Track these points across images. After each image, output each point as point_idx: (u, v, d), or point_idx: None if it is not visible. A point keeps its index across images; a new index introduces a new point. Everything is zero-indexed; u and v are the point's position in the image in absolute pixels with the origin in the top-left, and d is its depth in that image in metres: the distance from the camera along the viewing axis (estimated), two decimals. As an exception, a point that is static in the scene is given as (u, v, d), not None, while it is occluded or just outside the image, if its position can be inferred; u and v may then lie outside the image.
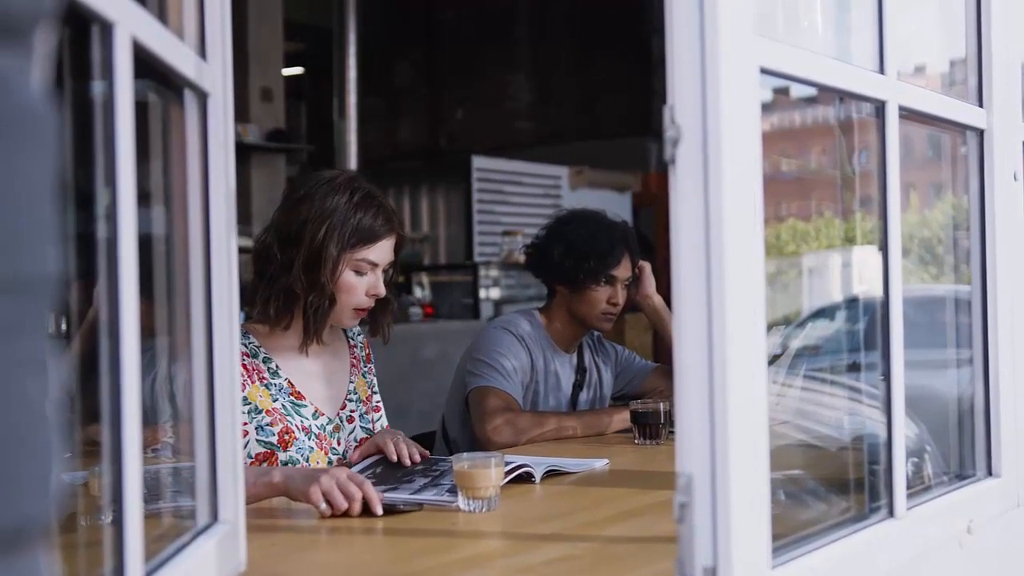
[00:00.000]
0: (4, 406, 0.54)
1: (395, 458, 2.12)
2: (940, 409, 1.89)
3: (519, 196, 7.82)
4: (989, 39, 1.77)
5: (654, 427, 2.60)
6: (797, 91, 1.51)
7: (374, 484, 1.87)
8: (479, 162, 7.72)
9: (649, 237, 6.99)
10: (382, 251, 2.20)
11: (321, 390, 2.27)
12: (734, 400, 1.10)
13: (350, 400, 2.32)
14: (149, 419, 1.04)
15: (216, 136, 1.32)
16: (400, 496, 1.92)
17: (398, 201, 8.42)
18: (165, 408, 1.47)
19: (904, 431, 1.49)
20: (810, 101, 1.70)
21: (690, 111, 1.11)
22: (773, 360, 1.78)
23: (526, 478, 2.09)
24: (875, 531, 1.44)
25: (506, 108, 9.31)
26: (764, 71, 1.19)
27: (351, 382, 2.34)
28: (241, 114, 6.77)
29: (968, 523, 1.66)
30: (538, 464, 2.14)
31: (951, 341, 1.92)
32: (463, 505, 1.83)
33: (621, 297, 2.90)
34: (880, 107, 1.48)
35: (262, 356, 2.21)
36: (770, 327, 1.22)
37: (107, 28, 0.94)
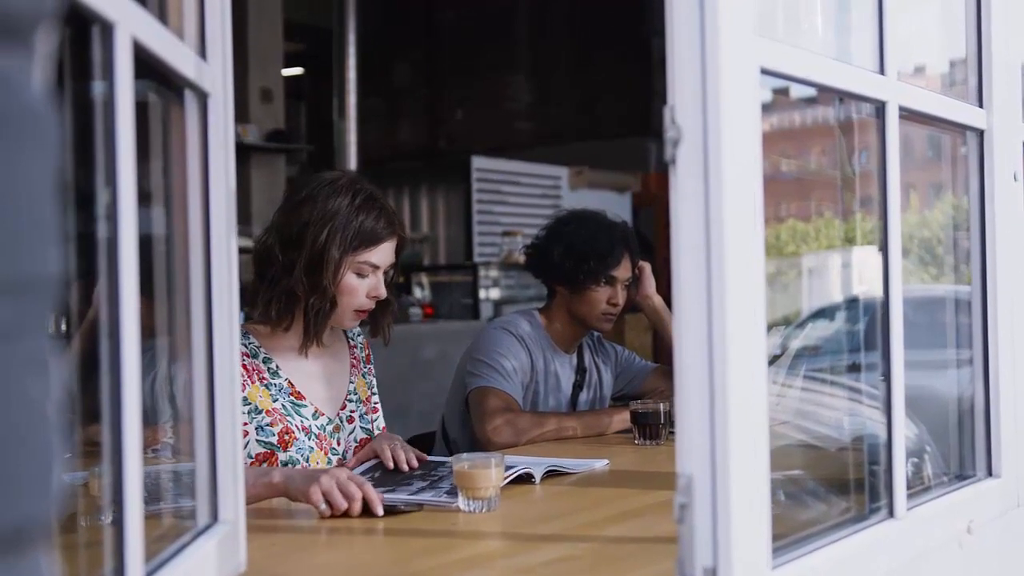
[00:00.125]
0: (5, 406, 0.54)
1: (392, 465, 2.11)
2: (940, 409, 1.89)
3: (519, 196, 7.83)
4: (989, 39, 1.77)
5: (654, 427, 2.60)
6: (796, 91, 1.51)
7: (373, 486, 1.87)
8: (479, 162, 7.73)
9: (649, 237, 6.99)
10: (384, 253, 2.20)
11: (321, 390, 2.27)
12: (734, 400, 1.10)
13: (350, 400, 2.32)
14: (149, 419, 1.04)
15: (216, 136, 1.32)
16: (400, 497, 1.92)
17: (398, 201, 8.43)
18: (165, 408, 1.47)
19: (904, 431, 1.49)
20: (810, 101, 1.70)
21: (690, 111, 1.11)
22: (773, 360, 1.78)
23: (526, 478, 2.09)
24: (875, 531, 1.44)
25: (506, 108, 9.31)
26: (764, 71, 1.19)
27: (351, 382, 2.34)
28: (241, 114, 6.77)
29: (968, 523, 1.66)
30: (537, 464, 2.14)
31: (951, 341, 1.92)
32: (463, 505, 1.83)
33: (621, 297, 2.90)
34: (880, 107, 1.48)
35: (262, 356, 2.21)
36: (770, 327, 1.22)
37: (107, 28, 0.94)
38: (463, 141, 9.09)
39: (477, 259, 7.49)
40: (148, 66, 1.09)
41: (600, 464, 2.29)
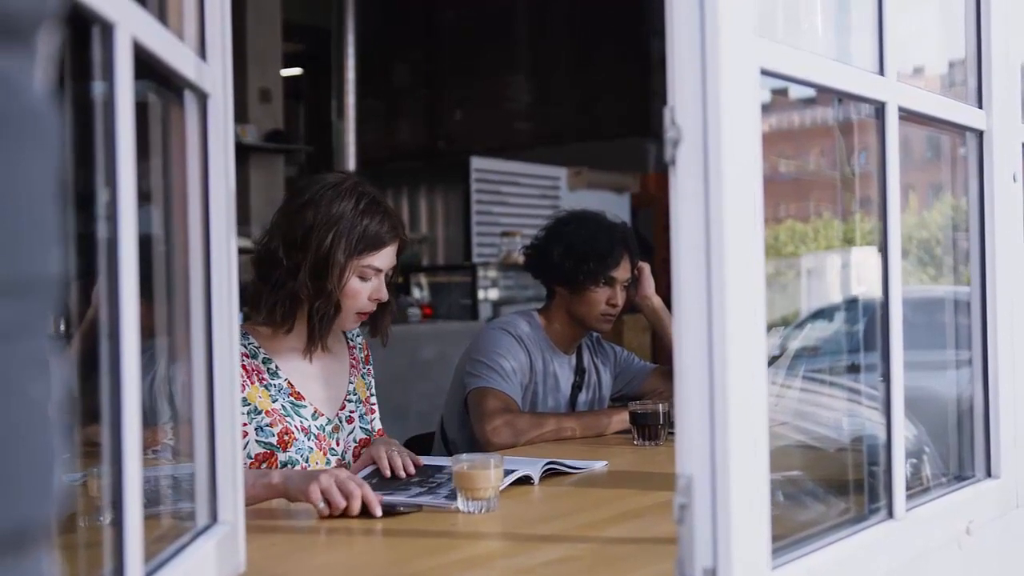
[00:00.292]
0: (7, 407, 0.54)
1: (389, 472, 2.09)
2: (939, 410, 1.89)
3: (518, 197, 7.83)
4: (989, 40, 1.77)
5: (653, 428, 2.60)
6: (795, 92, 1.51)
7: (372, 489, 1.87)
8: (478, 163, 7.73)
9: (648, 238, 6.99)
10: (387, 257, 2.21)
11: (320, 391, 2.27)
12: (734, 401, 1.10)
13: (349, 401, 2.32)
14: (148, 420, 1.04)
15: (216, 137, 1.32)
16: (399, 498, 1.91)
17: (396, 202, 8.43)
18: (164, 409, 1.47)
19: (903, 432, 1.49)
20: (808, 102, 1.70)
21: (690, 112, 1.11)
22: (772, 361, 1.78)
23: (525, 479, 2.09)
24: (874, 532, 1.44)
25: (505, 109, 9.31)
26: (764, 72, 1.19)
27: (350, 383, 2.34)
28: (240, 115, 6.77)
29: (967, 524, 1.66)
30: (536, 464, 2.14)
31: (950, 342, 1.92)
32: (462, 506, 1.83)
33: (620, 298, 2.91)
34: (880, 108, 1.48)
35: (262, 356, 2.21)
36: (769, 328, 1.22)
37: (108, 29, 0.94)
38: (462, 141, 9.09)
39: (476, 259, 7.49)
40: (148, 66, 1.09)
41: (599, 465, 2.29)
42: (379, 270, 2.21)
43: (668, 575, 1.15)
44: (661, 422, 2.59)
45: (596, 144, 8.52)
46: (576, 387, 3.00)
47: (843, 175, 1.81)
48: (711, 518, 1.11)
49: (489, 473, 1.83)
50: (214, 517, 1.33)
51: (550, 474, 2.16)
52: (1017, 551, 1.86)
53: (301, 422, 2.19)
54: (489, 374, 2.76)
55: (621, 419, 2.74)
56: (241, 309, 2.02)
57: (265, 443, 2.13)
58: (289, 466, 2.13)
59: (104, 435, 0.97)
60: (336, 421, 2.27)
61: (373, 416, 2.39)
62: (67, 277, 0.65)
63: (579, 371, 3.02)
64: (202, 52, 1.31)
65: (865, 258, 1.69)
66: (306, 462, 2.17)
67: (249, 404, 2.13)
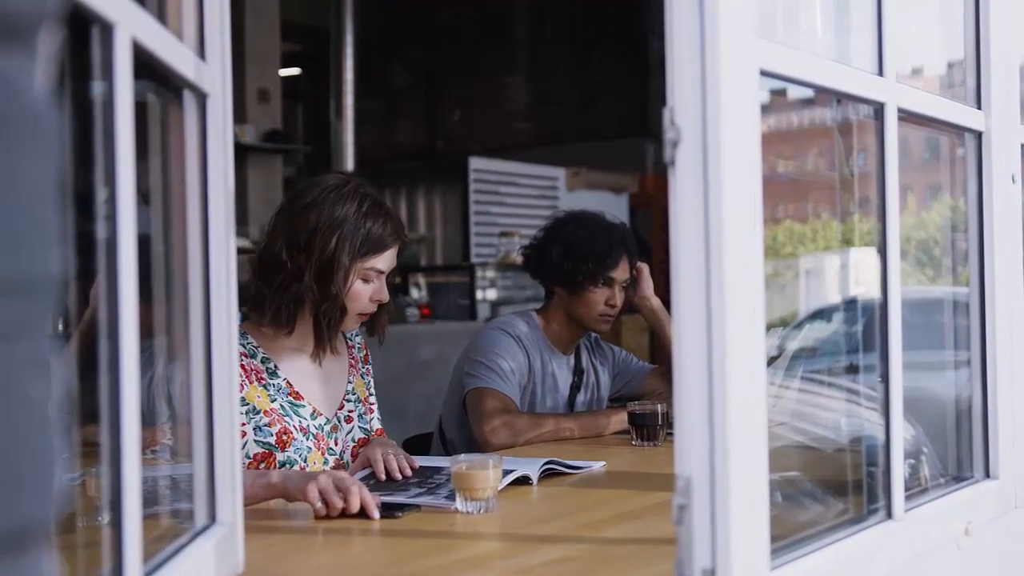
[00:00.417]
0: (8, 407, 0.54)
1: (384, 476, 2.07)
2: (938, 411, 1.89)
3: (516, 197, 7.83)
4: (988, 41, 1.77)
5: (652, 429, 2.60)
6: (794, 92, 1.51)
7: (370, 490, 1.86)
8: (476, 163, 7.73)
9: (646, 238, 6.99)
10: (389, 259, 2.23)
11: (319, 390, 2.27)
12: (734, 402, 1.10)
13: (348, 400, 2.32)
14: (146, 420, 1.04)
15: (215, 137, 1.32)
16: (398, 499, 1.91)
17: (395, 202, 8.42)
18: (162, 409, 1.47)
19: (902, 433, 1.49)
20: (807, 103, 1.70)
21: (690, 113, 1.11)
22: (770, 362, 1.78)
23: (523, 479, 2.09)
24: (873, 533, 1.44)
25: (503, 109, 9.31)
26: (764, 73, 1.19)
27: (349, 382, 2.34)
28: (238, 115, 6.75)
29: (966, 525, 1.66)
30: (534, 464, 2.14)
31: (948, 343, 1.92)
32: (461, 506, 1.83)
33: (619, 299, 2.91)
34: (879, 109, 1.48)
35: (260, 356, 2.21)
36: (767, 329, 1.22)
37: (107, 29, 0.94)
38: (461, 142, 9.09)
39: (474, 260, 7.49)
40: (147, 67, 1.09)
41: (597, 466, 2.29)
42: (381, 272, 2.22)
43: (667, 576, 1.15)
44: (660, 423, 2.59)
45: (595, 145, 8.52)
46: (574, 387, 3.00)
47: (841, 176, 1.81)
48: (710, 519, 1.11)
49: (488, 473, 1.83)
50: (213, 517, 1.33)
51: (549, 474, 2.16)
52: (1016, 552, 1.86)
53: (300, 422, 2.19)
54: (487, 374, 2.76)
55: (620, 420, 2.74)
56: (240, 309, 2.02)
57: (264, 443, 2.13)
58: (288, 466, 2.13)
59: (103, 435, 0.97)
60: (335, 421, 2.27)
61: (372, 416, 2.39)
62: (66, 277, 0.65)
63: (577, 371, 3.02)
64: (201, 52, 1.30)
65: (863, 259, 1.69)
66: (304, 462, 2.17)
67: (247, 404, 2.13)
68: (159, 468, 1.44)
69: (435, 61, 9.59)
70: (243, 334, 2.19)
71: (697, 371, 1.11)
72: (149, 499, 1.15)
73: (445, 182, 8.06)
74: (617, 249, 2.89)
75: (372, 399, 2.41)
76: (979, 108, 1.78)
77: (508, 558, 1.63)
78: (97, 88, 0.95)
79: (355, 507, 1.79)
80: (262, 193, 7.02)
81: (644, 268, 3.02)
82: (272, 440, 2.14)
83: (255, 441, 2.13)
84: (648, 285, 3.01)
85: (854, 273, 1.87)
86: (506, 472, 2.00)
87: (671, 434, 2.48)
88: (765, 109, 1.20)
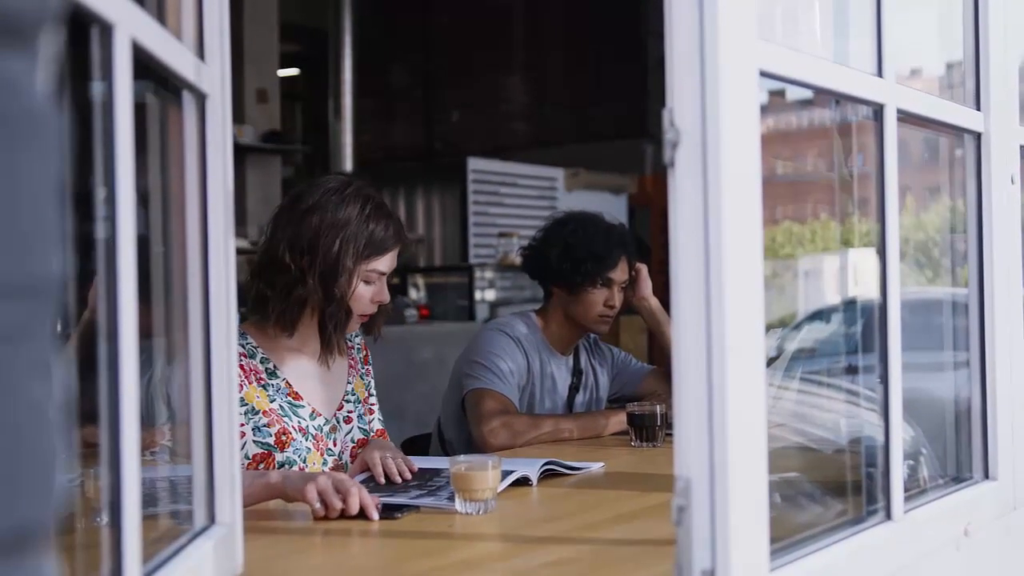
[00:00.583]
0: (11, 410, 0.54)
1: (383, 480, 2.06)
2: (937, 412, 1.89)
3: (515, 198, 7.82)
4: (987, 42, 1.77)
5: (651, 430, 2.59)
6: (792, 93, 1.51)
7: (370, 492, 1.86)
8: (475, 164, 7.72)
9: (645, 239, 6.99)
10: (391, 261, 2.23)
11: (319, 390, 2.27)
12: (733, 403, 1.10)
13: (347, 401, 2.32)
14: (145, 421, 1.04)
15: (214, 137, 1.32)
16: (399, 499, 1.91)
17: (394, 203, 8.40)
18: (161, 410, 1.47)
19: (901, 434, 1.49)
20: (805, 104, 1.70)
21: (689, 114, 1.11)
22: (769, 363, 1.78)
23: (523, 480, 2.09)
24: (872, 534, 1.44)
25: (502, 110, 9.31)
26: (764, 74, 1.19)
27: (349, 383, 2.34)
28: (237, 115, 6.74)
29: (965, 526, 1.66)
30: (534, 465, 2.14)
31: (947, 344, 1.92)
32: (460, 507, 1.83)
33: (618, 299, 2.91)
34: (879, 110, 1.48)
35: (260, 356, 2.21)
36: (766, 330, 1.22)
37: (107, 29, 0.94)
38: (459, 142, 9.09)
39: (473, 260, 7.48)
40: (147, 67, 1.09)
41: (596, 467, 2.29)
42: (383, 273, 2.22)
43: (667, 577, 1.15)
44: (659, 424, 2.59)
45: (593, 145, 8.52)
46: (573, 388, 3.00)
47: (840, 177, 1.81)
48: (709, 520, 1.10)
49: (487, 474, 1.82)
50: (212, 518, 1.33)
51: (548, 475, 2.16)
52: (1015, 552, 1.86)
53: (299, 422, 2.19)
54: (486, 375, 2.76)
55: (618, 420, 2.74)
56: (239, 309, 2.02)
57: (262, 443, 2.13)
58: (287, 466, 2.13)
59: (102, 436, 0.97)
60: (333, 421, 2.27)
61: (372, 416, 2.39)
62: (66, 278, 0.65)
63: (576, 372, 3.02)
64: (200, 53, 1.30)
65: (862, 260, 1.69)
66: (303, 462, 2.16)
67: (246, 404, 2.13)
68: (158, 469, 1.44)
69: (434, 61, 9.60)
70: (242, 334, 2.19)
71: (696, 372, 1.11)
72: (148, 500, 1.15)
73: (443, 183, 8.05)
74: (616, 250, 2.89)
75: (372, 400, 2.41)
76: (978, 109, 1.79)
77: (507, 559, 1.63)
78: (96, 88, 0.95)
79: (354, 508, 1.78)
80: (260, 193, 7.02)
81: (643, 269, 3.02)
82: (271, 441, 2.14)
83: (254, 442, 2.13)
84: (647, 286, 3.01)
85: (853, 274, 1.87)
86: (506, 473, 2.00)
87: (670, 435, 2.48)
88: (764, 110, 1.20)
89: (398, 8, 9.41)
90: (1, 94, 0.55)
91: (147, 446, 1.27)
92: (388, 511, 1.82)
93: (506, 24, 9.29)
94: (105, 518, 1.01)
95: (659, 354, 3.20)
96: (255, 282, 2.20)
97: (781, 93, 1.44)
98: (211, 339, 1.33)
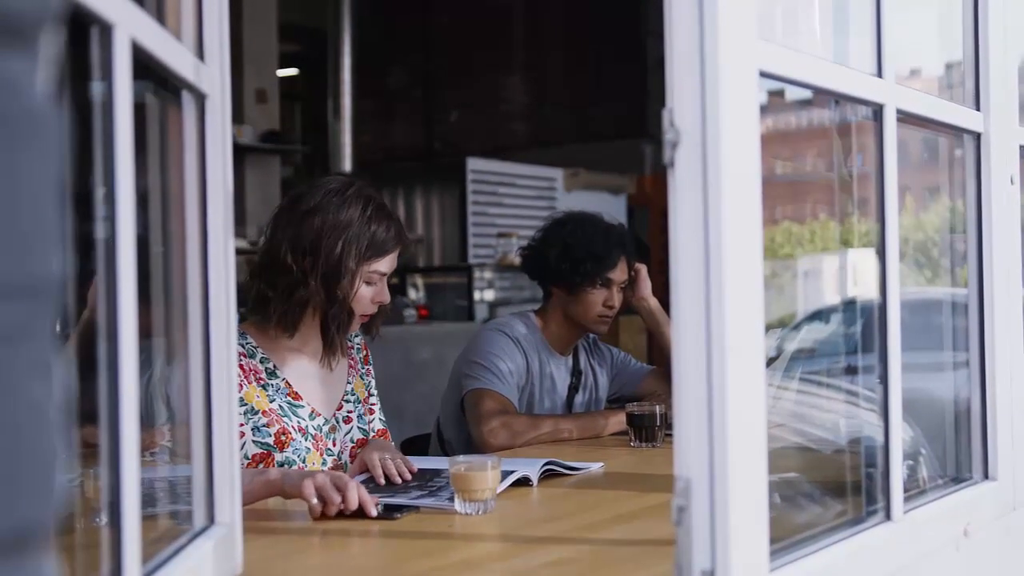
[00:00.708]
0: (11, 410, 0.54)
1: (383, 481, 2.05)
2: (936, 412, 1.89)
3: (514, 198, 7.82)
4: (986, 42, 1.77)
5: (650, 430, 2.59)
6: (791, 93, 1.51)
7: (369, 492, 1.86)
8: (474, 164, 7.72)
9: (644, 240, 6.99)
10: (392, 262, 2.24)
11: (319, 390, 2.27)
12: (733, 403, 1.10)
13: (347, 401, 2.32)
14: (144, 421, 1.04)
15: (214, 137, 1.32)
16: (397, 500, 1.91)
17: (393, 203, 8.41)
18: (161, 410, 1.47)
19: (900, 434, 1.49)
20: (805, 104, 1.70)
21: (689, 114, 1.11)
22: (769, 363, 1.78)
23: (523, 480, 2.09)
24: (872, 534, 1.44)
25: (501, 110, 9.31)
26: (763, 74, 1.19)
27: (349, 383, 2.34)
28: (236, 115, 6.73)
29: (965, 526, 1.66)
30: (533, 465, 2.14)
31: (947, 344, 1.92)
32: (460, 508, 1.83)
33: (617, 300, 2.91)
34: (878, 110, 1.48)
35: (259, 356, 2.20)
36: (765, 330, 1.22)
37: (106, 30, 0.94)
38: (458, 143, 9.09)
39: (472, 261, 7.48)
40: (146, 67, 1.09)
41: (596, 467, 2.29)
42: (384, 274, 2.23)
43: (666, 577, 1.15)
44: (658, 424, 2.59)
45: (592, 145, 8.52)
46: (572, 388, 3.00)
47: (840, 177, 1.81)
48: (709, 520, 1.10)
49: (486, 475, 1.82)
50: (211, 518, 1.33)
51: (548, 475, 2.16)
52: (1015, 553, 1.86)
53: (299, 422, 2.19)
54: (486, 375, 2.76)
55: (618, 421, 2.74)
56: (239, 309, 2.02)
57: (262, 443, 2.13)
58: (286, 466, 2.13)
59: (102, 436, 0.97)
60: (333, 421, 2.27)
61: (372, 416, 2.39)
62: (66, 278, 0.65)
63: (575, 372, 3.02)
64: (200, 53, 1.30)
65: (862, 260, 1.69)
66: (303, 462, 2.16)
67: (246, 404, 2.13)
68: (158, 469, 1.44)
69: (433, 62, 9.60)
70: (242, 334, 2.19)
71: (696, 372, 1.11)
72: (148, 500, 1.15)
73: (443, 183, 8.05)
74: (615, 250, 2.89)
75: (373, 400, 2.41)
76: (978, 109, 1.79)
77: (507, 559, 1.63)
78: (96, 89, 0.95)
79: (353, 503, 1.77)
80: (260, 193, 7.02)
81: (642, 269, 3.02)
82: (270, 440, 2.14)
83: (253, 441, 2.13)
84: (646, 286, 3.02)
85: (852, 274, 1.87)
86: (506, 473, 2.00)
87: (670, 435, 2.48)
88: (763, 110, 1.20)
89: (398, 8, 9.41)
90: (1, 94, 0.55)
91: (147, 446, 1.27)
92: (388, 511, 1.82)
93: (506, 24, 9.29)
94: (105, 518, 1.01)
95: (659, 354, 3.20)
96: (255, 283, 2.20)
97: (781, 93, 1.44)
98: (211, 339, 1.33)
